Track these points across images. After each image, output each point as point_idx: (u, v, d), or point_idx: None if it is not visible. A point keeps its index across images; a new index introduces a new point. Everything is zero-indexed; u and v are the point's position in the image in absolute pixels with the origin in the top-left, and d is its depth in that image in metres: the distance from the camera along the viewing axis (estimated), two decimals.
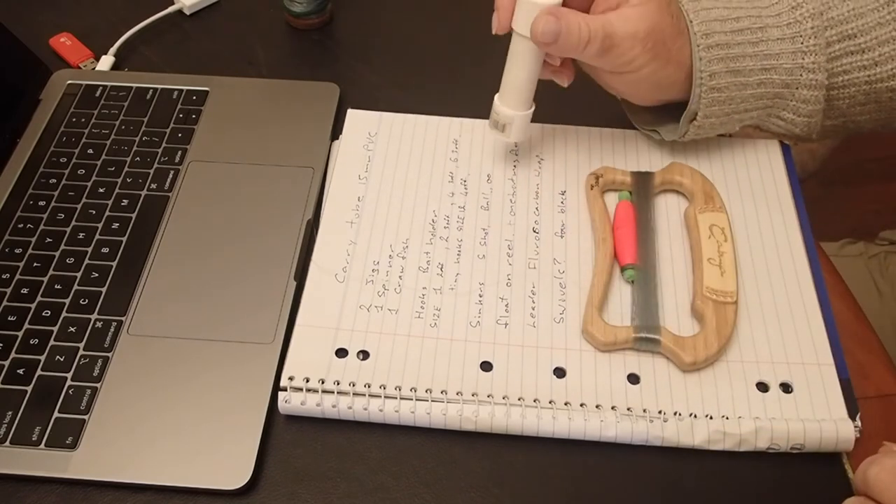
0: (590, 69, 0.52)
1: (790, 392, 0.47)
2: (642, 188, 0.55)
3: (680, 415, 0.46)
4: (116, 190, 0.57)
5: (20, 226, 0.55)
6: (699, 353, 0.47)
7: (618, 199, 0.55)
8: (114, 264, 0.53)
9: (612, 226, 0.53)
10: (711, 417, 0.46)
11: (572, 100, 0.56)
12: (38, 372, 0.48)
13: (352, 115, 0.61)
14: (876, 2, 0.50)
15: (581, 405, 0.46)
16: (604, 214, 0.53)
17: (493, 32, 0.50)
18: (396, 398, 0.46)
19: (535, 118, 0.54)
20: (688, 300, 0.51)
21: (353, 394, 0.46)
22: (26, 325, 0.50)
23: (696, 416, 0.46)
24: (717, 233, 0.52)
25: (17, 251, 0.53)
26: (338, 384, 0.46)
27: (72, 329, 0.49)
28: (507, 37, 0.51)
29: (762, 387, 0.47)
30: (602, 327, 0.48)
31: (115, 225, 0.55)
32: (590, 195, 0.55)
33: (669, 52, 0.49)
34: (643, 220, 0.54)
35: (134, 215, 0.55)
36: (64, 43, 0.67)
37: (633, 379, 0.47)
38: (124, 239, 0.54)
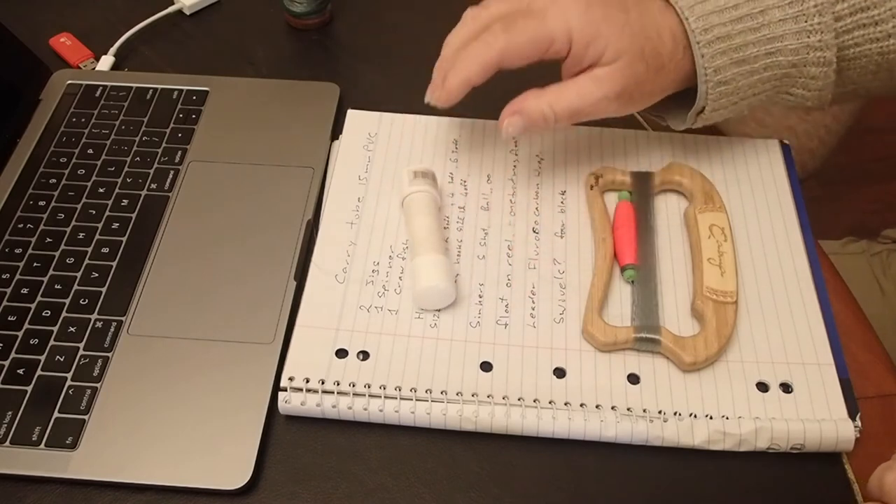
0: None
1: (790, 392, 0.47)
2: (642, 188, 0.55)
3: (680, 415, 0.46)
4: (116, 190, 0.57)
5: (20, 226, 0.55)
6: (699, 354, 0.47)
7: (618, 199, 0.55)
8: (114, 264, 0.53)
9: (612, 226, 0.53)
10: (711, 417, 0.46)
11: None
12: (38, 372, 0.48)
13: (352, 115, 0.61)
14: None
15: (581, 405, 0.46)
16: (604, 214, 0.53)
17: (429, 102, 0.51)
18: (396, 398, 0.46)
19: None
20: (688, 300, 0.51)
21: (353, 394, 0.46)
22: (26, 325, 0.50)
23: (696, 416, 0.46)
24: (716, 233, 0.52)
25: (17, 251, 0.53)
26: (338, 384, 0.46)
27: (72, 329, 0.49)
28: None
29: (762, 387, 0.47)
30: (602, 327, 0.48)
31: (115, 225, 0.55)
32: (590, 195, 0.55)
33: (651, 83, 0.49)
34: (643, 220, 0.54)
35: (134, 215, 0.55)
36: (64, 43, 0.67)
37: (633, 379, 0.47)
38: (124, 239, 0.54)
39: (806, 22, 0.48)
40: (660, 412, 0.46)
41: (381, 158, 0.58)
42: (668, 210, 0.55)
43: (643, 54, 0.47)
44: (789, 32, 0.48)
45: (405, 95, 0.63)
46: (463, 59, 0.48)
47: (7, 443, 0.45)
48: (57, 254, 0.53)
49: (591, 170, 0.56)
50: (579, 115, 0.48)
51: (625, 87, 0.48)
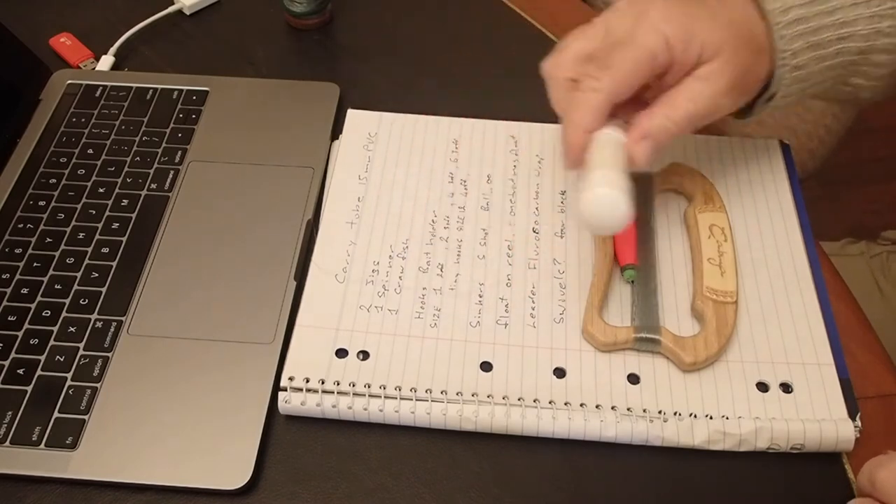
0: None
1: (790, 392, 0.47)
2: (642, 188, 0.55)
3: (680, 415, 0.46)
4: (116, 190, 0.57)
5: (20, 226, 0.55)
6: (699, 354, 0.47)
7: None
8: (114, 264, 0.53)
9: None
10: (711, 417, 0.46)
11: None
12: (38, 372, 0.48)
13: (352, 115, 0.61)
14: None
15: (581, 405, 0.46)
16: None
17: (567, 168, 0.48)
18: (396, 398, 0.46)
19: (537, 118, 0.54)
20: (688, 300, 0.51)
21: (353, 394, 0.46)
22: (26, 325, 0.50)
23: (696, 416, 0.46)
24: (716, 233, 0.52)
25: (17, 251, 0.53)
26: (338, 384, 0.46)
27: (72, 329, 0.49)
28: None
29: (762, 387, 0.47)
30: (602, 327, 0.48)
31: (115, 225, 0.55)
32: None
33: (757, 67, 0.47)
34: (643, 220, 0.54)
35: (134, 215, 0.55)
36: (64, 43, 0.67)
37: (633, 379, 0.47)
38: (124, 239, 0.54)
39: (878, 6, 0.47)
40: (660, 412, 0.46)
41: (381, 158, 0.58)
42: (668, 210, 0.55)
43: (741, 40, 0.46)
44: (861, 17, 0.47)
45: (405, 95, 0.63)
46: (574, 112, 0.46)
47: (7, 443, 0.45)
48: (57, 254, 0.53)
49: None
50: (696, 118, 0.46)
51: (733, 78, 0.45)
